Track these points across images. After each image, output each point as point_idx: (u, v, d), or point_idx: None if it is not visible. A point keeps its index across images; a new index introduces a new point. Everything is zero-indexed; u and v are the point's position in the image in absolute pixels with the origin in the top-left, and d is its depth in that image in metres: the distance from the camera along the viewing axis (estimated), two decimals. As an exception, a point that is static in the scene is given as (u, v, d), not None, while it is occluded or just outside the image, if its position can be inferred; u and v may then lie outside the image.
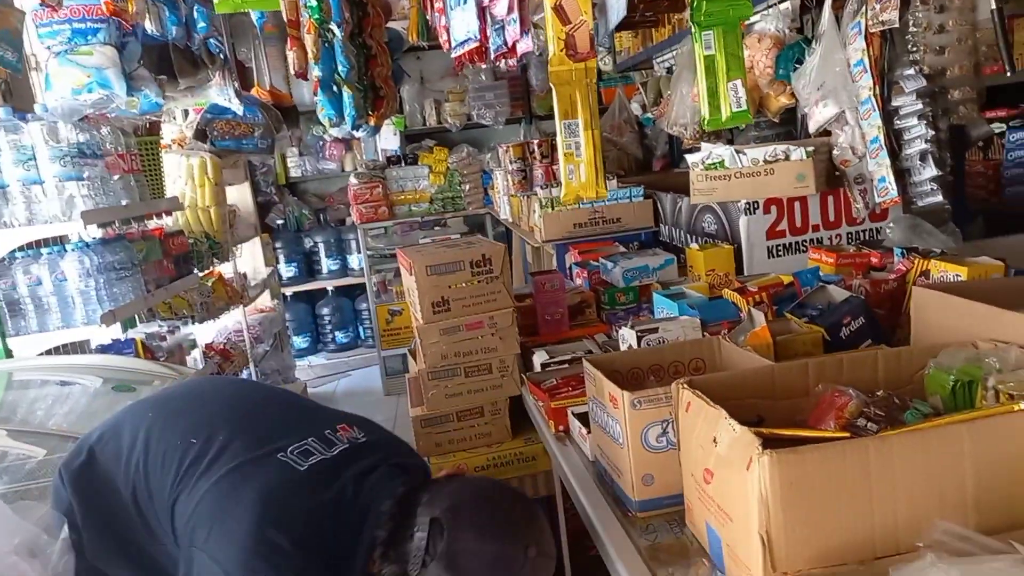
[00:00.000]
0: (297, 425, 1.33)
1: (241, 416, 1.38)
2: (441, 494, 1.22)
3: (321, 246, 5.99)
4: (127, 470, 1.32)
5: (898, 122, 1.95)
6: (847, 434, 0.98)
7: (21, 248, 2.55)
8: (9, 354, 2.53)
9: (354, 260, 5.94)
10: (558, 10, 1.40)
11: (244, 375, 4.16)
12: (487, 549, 1.16)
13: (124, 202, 2.79)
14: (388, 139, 5.94)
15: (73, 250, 2.55)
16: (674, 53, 3.12)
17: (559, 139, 1.55)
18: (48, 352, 2.63)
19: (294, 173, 6.23)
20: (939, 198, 1.91)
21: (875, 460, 0.90)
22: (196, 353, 3.54)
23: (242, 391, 1.57)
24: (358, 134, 3.63)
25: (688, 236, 2.66)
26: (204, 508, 1.19)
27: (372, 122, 3.34)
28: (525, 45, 1.62)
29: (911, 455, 0.90)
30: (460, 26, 1.88)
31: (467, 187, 5.33)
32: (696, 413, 1.08)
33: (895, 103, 1.94)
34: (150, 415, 1.40)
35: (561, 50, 1.43)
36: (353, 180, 5.20)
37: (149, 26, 2.33)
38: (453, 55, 2.03)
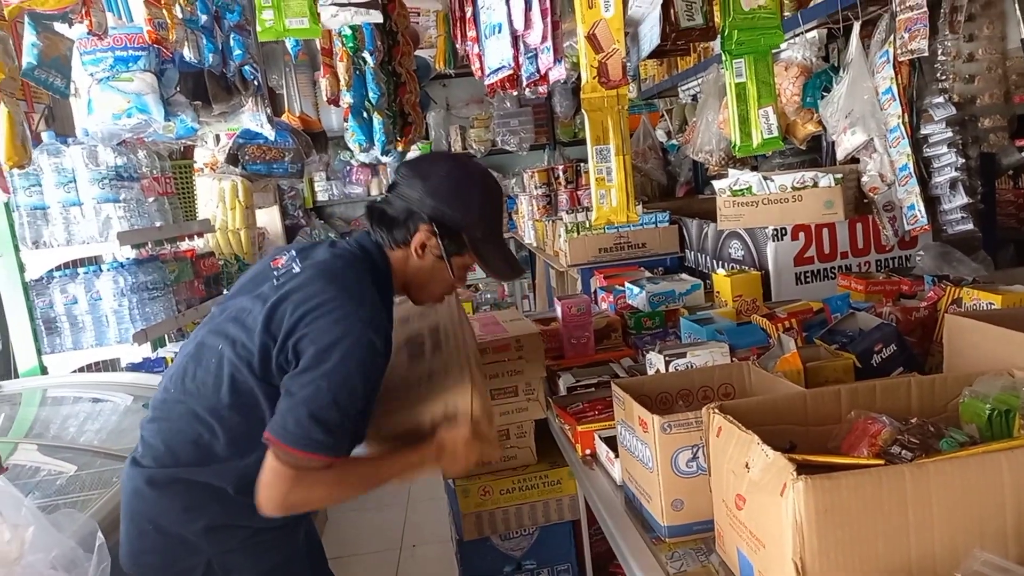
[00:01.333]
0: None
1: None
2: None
3: (346, 269, 6.05)
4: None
5: (927, 150, 1.95)
6: (881, 461, 0.97)
7: (59, 268, 2.62)
8: (44, 371, 2.59)
9: (378, 283, 5.98)
10: (592, 39, 1.43)
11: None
12: (441, 165, 1.46)
13: (158, 224, 2.86)
14: (413, 164, 6.02)
15: (108, 270, 2.62)
16: (699, 81, 3.15)
17: (591, 164, 1.57)
18: (80, 370, 2.69)
19: (321, 197, 6.33)
20: (970, 226, 1.90)
21: (912, 487, 0.89)
22: (223, 373, 3.58)
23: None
24: (386, 159, 3.70)
25: (714, 262, 2.66)
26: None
27: (400, 147, 3.41)
28: (558, 73, 1.65)
29: (949, 483, 0.89)
30: (494, 54, 1.92)
31: (491, 212, 5.38)
32: (727, 438, 1.08)
33: (924, 131, 1.94)
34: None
35: (594, 77, 1.46)
36: (379, 204, 5.26)
37: (187, 54, 2.40)
38: (486, 83, 2.07)
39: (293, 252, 1.47)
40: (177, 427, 1.43)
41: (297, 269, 1.40)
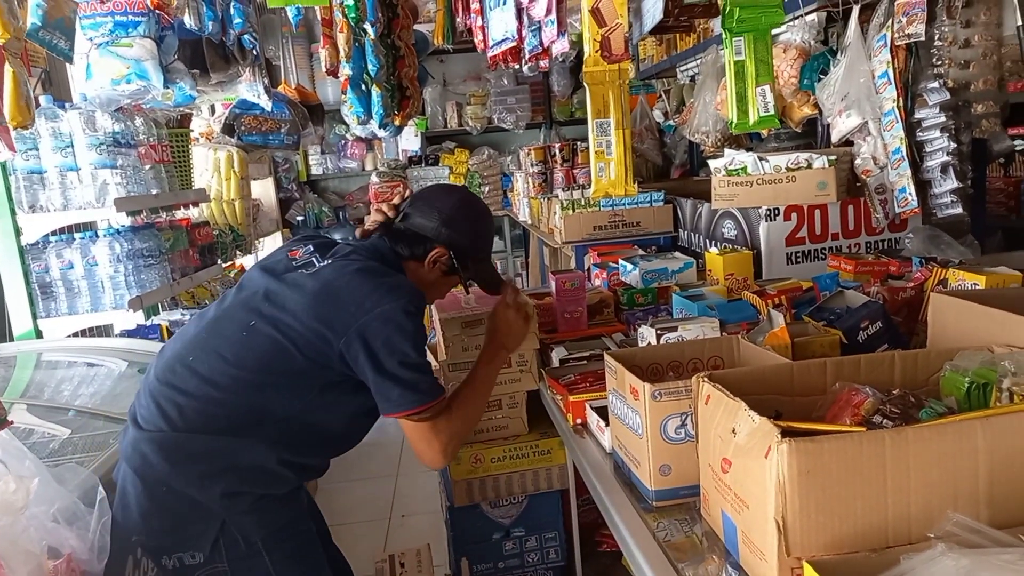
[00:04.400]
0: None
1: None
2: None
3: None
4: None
5: (920, 134, 1.97)
6: (863, 429, 1.01)
7: (55, 232, 2.62)
8: (39, 335, 2.60)
9: (372, 258, 5.99)
10: (595, 12, 1.44)
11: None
12: (453, 198, 1.74)
13: (154, 191, 2.86)
14: (409, 140, 6.01)
15: (105, 236, 2.62)
16: (698, 61, 3.16)
17: (590, 137, 1.59)
18: (75, 334, 2.70)
19: (315, 171, 6.31)
20: (959, 210, 1.93)
21: (891, 452, 0.93)
22: (217, 342, 3.59)
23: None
24: (382, 133, 3.69)
25: (707, 241, 2.69)
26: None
27: (397, 122, 3.40)
28: (560, 46, 1.67)
29: (926, 448, 0.93)
30: (498, 26, 1.92)
31: (487, 188, 5.39)
32: (716, 405, 1.12)
33: (918, 115, 1.97)
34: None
35: (596, 51, 1.48)
36: (375, 179, 5.26)
37: (188, 20, 2.40)
38: (489, 54, 2.08)
39: (311, 247, 1.65)
40: (195, 395, 1.49)
41: (322, 262, 1.59)
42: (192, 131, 3.98)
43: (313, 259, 1.60)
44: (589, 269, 2.82)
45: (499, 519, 2.13)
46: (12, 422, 1.23)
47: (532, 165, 3.98)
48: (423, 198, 1.75)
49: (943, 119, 1.93)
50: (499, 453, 2.05)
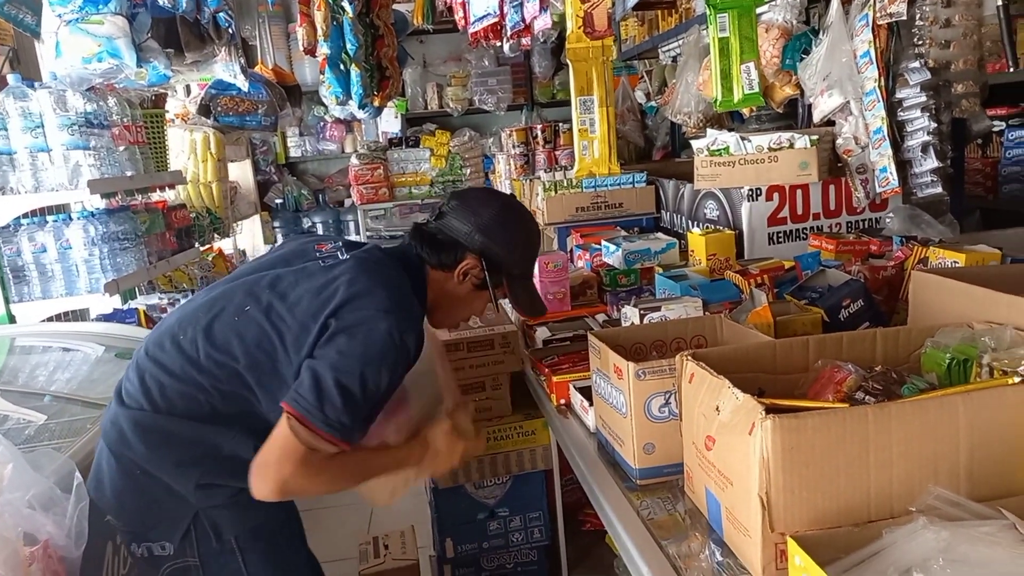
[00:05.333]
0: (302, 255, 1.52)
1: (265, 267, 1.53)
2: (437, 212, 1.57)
3: (319, 226, 6.01)
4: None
5: (901, 114, 1.98)
6: (846, 405, 1.01)
7: (27, 215, 2.56)
8: (12, 320, 2.55)
9: (352, 241, 5.95)
10: (577, -13, 1.42)
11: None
12: (493, 203, 1.56)
13: (129, 173, 2.80)
14: (389, 122, 5.95)
15: (79, 218, 2.57)
16: (680, 42, 3.14)
17: (574, 115, 1.58)
18: (50, 319, 2.65)
19: (294, 153, 6.24)
20: (939, 189, 1.94)
21: (873, 428, 0.93)
22: (196, 327, 3.55)
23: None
24: (361, 114, 3.65)
25: (690, 222, 2.69)
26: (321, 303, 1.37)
27: (377, 102, 3.37)
28: (543, 22, 1.64)
29: (908, 424, 0.94)
30: (480, 2, 1.89)
31: (468, 171, 5.36)
32: (699, 383, 1.12)
33: (899, 95, 1.97)
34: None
35: (579, 27, 1.46)
36: (354, 161, 5.21)
37: (160, -3, 2.34)
38: (470, 31, 2.05)
39: (339, 243, 1.53)
40: (179, 375, 1.41)
41: (344, 256, 1.46)
42: (167, 112, 3.91)
43: (338, 253, 1.48)
44: (572, 250, 2.81)
45: (483, 499, 2.13)
46: (-16, 407, 1.20)
47: (514, 147, 3.96)
48: (461, 198, 1.57)
49: (924, 99, 1.93)
50: (483, 434, 2.04)
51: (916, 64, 1.93)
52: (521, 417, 2.06)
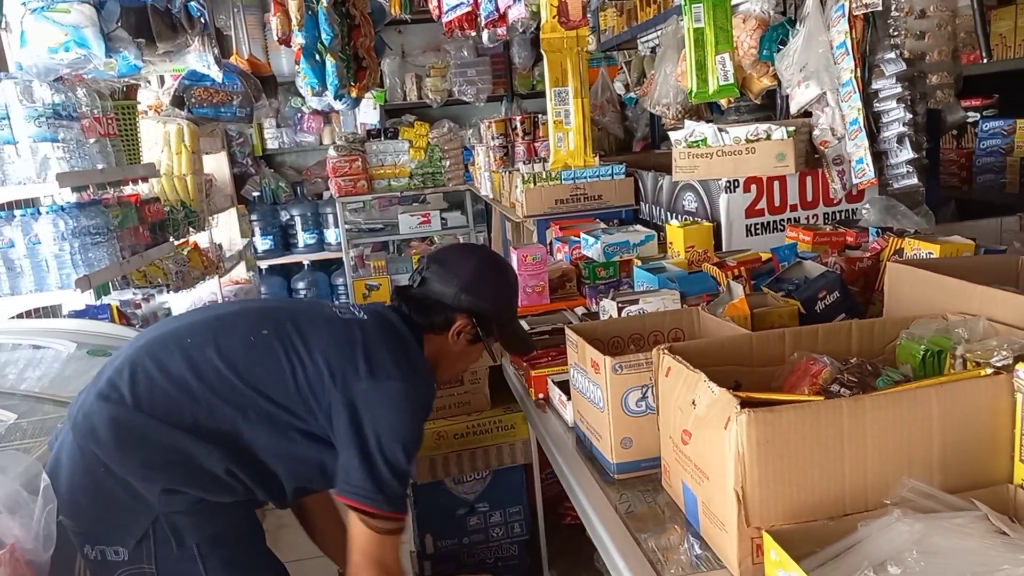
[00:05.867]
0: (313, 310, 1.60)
1: (275, 308, 1.60)
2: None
3: (298, 219, 5.93)
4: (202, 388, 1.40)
5: (877, 105, 1.98)
6: (821, 398, 1.01)
7: (-7, 209, 2.51)
8: (-20, 317, 2.49)
9: (331, 234, 5.89)
10: (551, -25, 1.40)
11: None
12: (471, 260, 1.63)
13: (100, 166, 2.75)
14: (368, 113, 5.89)
15: (48, 213, 2.51)
16: (659, 33, 3.13)
17: (548, 107, 1.57)
18: (20, 316, 2.60)
19: (271, 145, 6.16)
20: (914, 180, 1.95)
21: (848, 421, 0.93)
22: (171, 322, 3.50)
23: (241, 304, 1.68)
24: (338, 105, 3.60)
25: (668, 214, 2.69)
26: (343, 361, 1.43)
27: (354, 93, 3.33)
28: (517, 12, 1.62)
29: (882, 416, 0.94)
30: (454, -10, 1.86)
31: (447, 163, 5.31)
32: (676, 377, 1.11)
33: (875, 86, 1.98)
34: (187, 340, 1.46)
35: (554, 17, 1.44)
36: (332, 153, 5.15)
37: (129, -15, 2.29)
38: (444, 20, 2.02)
39: (347, 303, 1.65)
40: (174, 376, 1.40)
41: (360, 315, 1.53)
42: (140, 103, 3.83)
43: (352, 310, 1.55)
44: (551, 243, 2.80)
45: (463, 495, 2.13)
46: (-55, 408, 1.16)
47: (493, 138, 3.93)
48: (439, 261, 1.61)
49: (899, 90, 1.94)
50: (462, 428, 2.04)
51: (892, 55, 1.93)
52: (500, 411, 2.05)
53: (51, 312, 2.77)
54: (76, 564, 1.49)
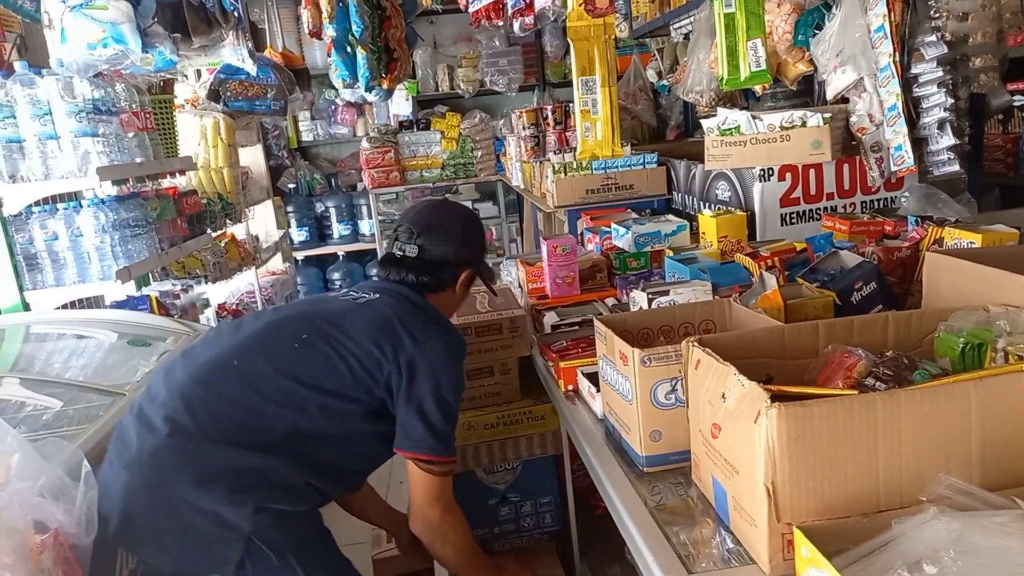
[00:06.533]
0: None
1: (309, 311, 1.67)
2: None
3: (332, 211, 5.99)
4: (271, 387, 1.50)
5: (917, 90, 1.93)
6: (855, 392, 0.99)
7: (37, 203, 2.57)
8: (27, 307, 2.57)
9: (365, 225, 5.94)
10: (578, -37, 1.39)
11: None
12: (456, 217, 1.79)
13: (139, 160, 2.80)
14: (400, 104, 5.91)
15: (89, 206, 2.57)
16: (692, 19, 3.08)
17: (576, 96, 1.55)
18: (64, 306, 2.67)
19: (306, 137, 6.22)
20: (956, 167, 1.90)
21: (883, 415, 0.91)
22: (209, 312, 3.58)
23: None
24: (371, 97, 3.62)
25: (701, 203, 2.66)
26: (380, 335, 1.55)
27: (385, 85, 3.34)
28: (543, 1, 1.60)
29: (919, 411, 0.91)
30: (479, -19, 1.85)
31: (479, 153, 5.31)
32: (705, 370, 1.10)
33: (915, 70, 1.92)
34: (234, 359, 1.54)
35: (580, 5, 1.42)
36: (365, 144, 5.19)
37: (164, -19, 2.32)
38: (471, 10, 2.02)
39: (347, 290, 1.72)
40: (238, 400, 1.46)
41: (374, 295, 1.64)
42: (176, 97, 3.90)
43: (363, 294, 1.65)
44: (582, 233, 2.78)
45: (494, 485, 2.13)
46: (-9, 397, 1.20)
47: (524, 128, 3.91)
48: (427, 227, 1.72)
49: (940, 74, 1.88)
50: (492, 419, 2.04)
51: (932, 38, 1.88)
52: (531, 402, 2.05)
53: (93, 303, 2.84)
54: (118, 551, 1.54)
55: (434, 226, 1.72)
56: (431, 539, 1.61)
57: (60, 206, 2.59)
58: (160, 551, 1.44)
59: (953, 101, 1.89)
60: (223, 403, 1.46)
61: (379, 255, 5.44)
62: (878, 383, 1.04)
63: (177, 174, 3.31)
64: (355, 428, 1.55)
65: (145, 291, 3.09)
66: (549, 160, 3.29)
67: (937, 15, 1.87)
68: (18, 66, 2.41)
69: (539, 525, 2.18)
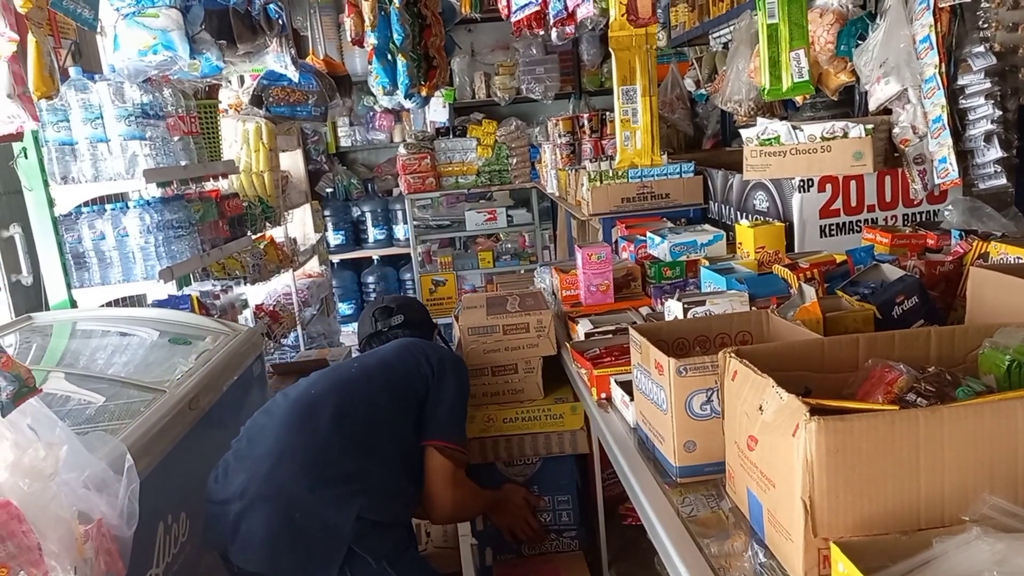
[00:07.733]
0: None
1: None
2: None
3: (368, 215, 6.07)
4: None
5: (963, 101, 1.89)
6: (896, 407, 0.97)
7: (86, 203, 2.65)
8: (74, 304, 2.64)
9: (400, 230, 6.00)
10: (621, -26, 1.39)
11: (291, 337, 4.28)
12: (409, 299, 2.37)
13: (183, 163, 2.87)
14: (437, 111, 5.97)
15: (135, 207, 2.64)
16: (731, 28, 3.06)
17: (616, 105, 1.56)
18: (108, 304, 2.74)
19: (344, 143, 6.30)
20: (1003, 180, 1.86)
21: (925, 431, 0.90)
22: (247, 313, 3.64)
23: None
24: (409, 104, 3.66)
25: (738, 213, 2.64)
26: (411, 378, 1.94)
27: (424, 92, 3.37)
28: (585, 10, 1.62)
29: (962, 429, 0.90)
30: (522, -10, 1.87)
31: (514, 160, 5.33)
32: (742, 382, 1.09)
33: (961, 81, 1.89)
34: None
35: (622, 15, 1.43)
36: (402, 150, 5.24)
37: (213, -10, 2.39)
38: (513, 19, 2.03)
39: (358, 356, 2.15)
40: (363, 418, 1.81)
41: (387, 349, 2.05)
42: (220, 102, 3.99)
43: (379, 351, 2.05)
44: (617, 242, 2.78)
45: (514, 477, 2.16)
46: (41, 390, 1.24)
47: (560, 136, 3.92)
48: (401, 305, 2.23)
49: (988, 85, 1.84)
50: (512, 414, 2.08)
51: (981, 49, 1.84)
52: (551, 401, 2.07)
53: (136, 301, 2.92)
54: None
55: (404, 304, 2.20)
56: (454, 517, 1.92)
57: (107, 207, 2.66)
58: (275, 562, 1.65)
59: (1001, 113, 1.85)
60: (327, 446, 1.73)
61: (413, 260, 5.49)
62: (920, 399, 1.02)
63: (220, 177, 3.38)
64: (410, 440, 1.85)
65: (186, 291, 3.16)
66: (585, 168, 3.29)
67: (986, 26, 1.84)
68: (72, 72, 2.49)
69: (556, 522, 2.20)
